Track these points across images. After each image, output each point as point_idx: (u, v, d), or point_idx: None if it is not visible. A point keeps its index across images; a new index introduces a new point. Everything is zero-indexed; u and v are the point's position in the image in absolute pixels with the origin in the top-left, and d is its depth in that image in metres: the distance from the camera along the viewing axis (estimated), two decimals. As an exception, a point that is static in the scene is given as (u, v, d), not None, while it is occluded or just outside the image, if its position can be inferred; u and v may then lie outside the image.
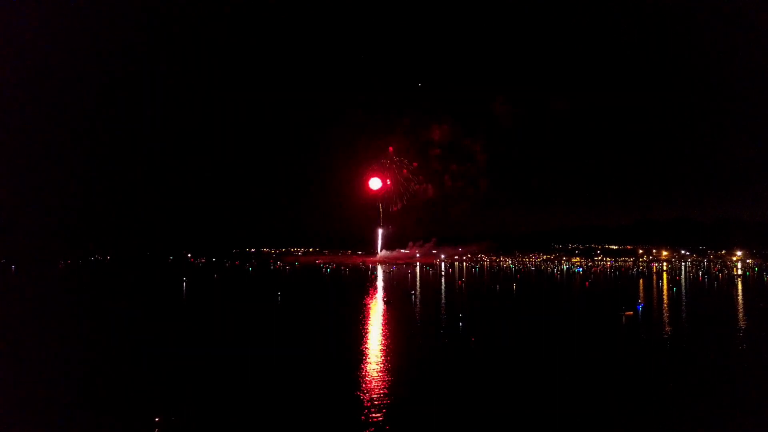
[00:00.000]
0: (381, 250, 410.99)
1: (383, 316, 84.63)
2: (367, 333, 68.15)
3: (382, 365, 49.41)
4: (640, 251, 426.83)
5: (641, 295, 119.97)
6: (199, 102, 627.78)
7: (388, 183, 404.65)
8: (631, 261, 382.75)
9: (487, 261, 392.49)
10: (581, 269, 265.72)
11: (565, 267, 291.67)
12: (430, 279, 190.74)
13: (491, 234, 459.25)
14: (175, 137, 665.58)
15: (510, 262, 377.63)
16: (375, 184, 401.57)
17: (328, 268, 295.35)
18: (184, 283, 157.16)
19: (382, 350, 56.68)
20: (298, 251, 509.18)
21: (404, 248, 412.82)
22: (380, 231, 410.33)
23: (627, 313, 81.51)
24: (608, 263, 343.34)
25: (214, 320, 79.17)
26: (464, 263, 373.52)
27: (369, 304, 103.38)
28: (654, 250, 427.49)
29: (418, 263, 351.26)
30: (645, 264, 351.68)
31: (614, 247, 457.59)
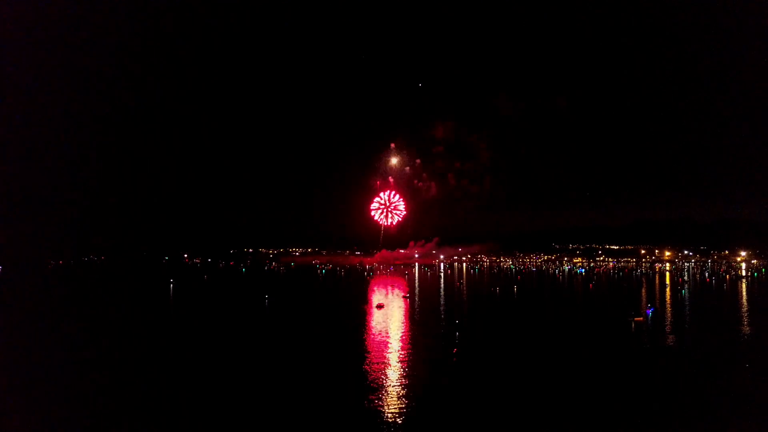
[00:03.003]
0: (380, 250, 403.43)
1: (373, 322, 78.45)
2: (351, 341, 61.99)
3: (353, 382, 43.25)
4: (642, 251, 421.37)
5: (644, 297, 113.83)
6: (198, 101, 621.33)
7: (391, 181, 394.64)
8: (633, 261, 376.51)
9: (487, 262, 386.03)
10: (584, 270, 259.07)
11: (567, 268, 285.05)
12: (428, 280, 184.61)
13: (492, 234, 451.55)
14: (175, 138, 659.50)
15: (510, 262, 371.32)
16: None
17: (323, 268, 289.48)
18: (171, 285, 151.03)
19: (360, 364, 50.40)
20: (296, 251, 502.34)
21: (404, 248, 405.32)
22: (381, 231, 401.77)
23: (636, 318, 75.39)
24: (611, 264, 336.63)
25: (191, 324, 73.29)
26: (464, 264, 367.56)
27: (360, 308, 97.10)
28: (656, 251, 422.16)
29: (417, 264, 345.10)
30: (648, 264, 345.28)
31: (615, 248, 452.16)
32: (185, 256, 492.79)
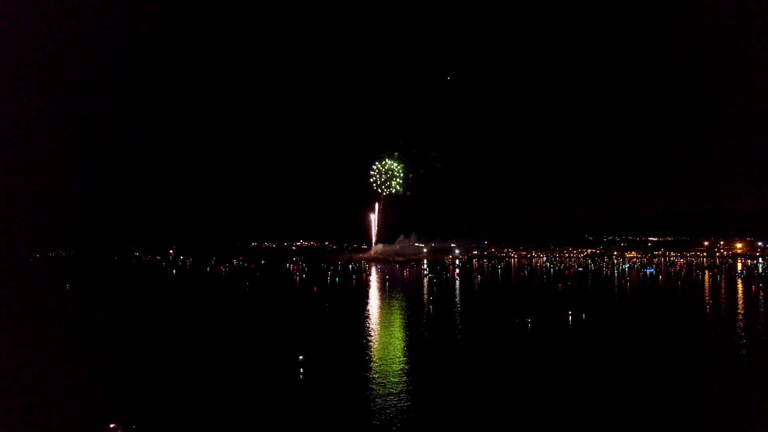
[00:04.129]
0: (376, 245, 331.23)
1: None
2: None
3: None
4: (706, 243, 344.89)
5: None
6: (195, 98, 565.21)
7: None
8: (704, 256, 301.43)
9: (515, 257, 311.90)
10: (652, 270, 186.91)
11: (626, 266, 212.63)
12: (424, 287, 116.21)
13: (512, 226, 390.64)
14: (177, 140, 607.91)
15: (545, 258, 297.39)
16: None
17: (301, 266, 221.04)
18: None
19: None
20: (302, 244, 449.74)
21: (409, 239, 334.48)
22: (374, 223, 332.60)
23: None
24: (681, 261, 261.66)
25: None
26: (483, 260, 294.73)
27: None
28: (722, 242, 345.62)
29: (425, 260, 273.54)
30: (726, 260, 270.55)
31: (653, 239, 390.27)
32: (170, 252, 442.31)
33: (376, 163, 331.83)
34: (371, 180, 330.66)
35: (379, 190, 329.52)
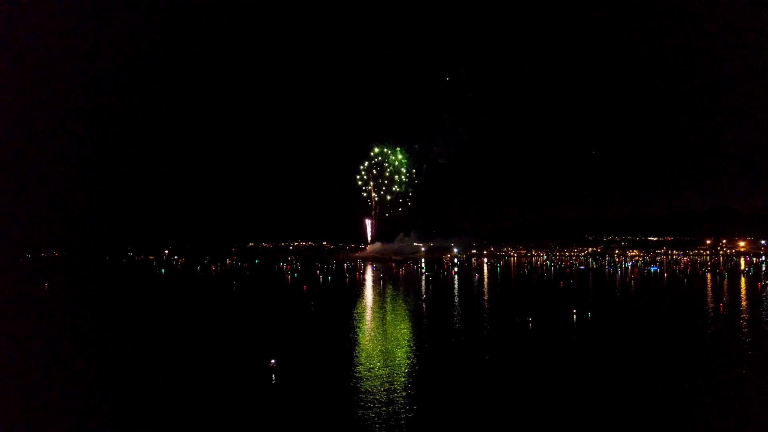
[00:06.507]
0: (372, 243, 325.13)
1: None
2: None
3: None
4: (708, 241, 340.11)
5: None
6: (192, 94, 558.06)
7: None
8: (707, 254, 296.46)
9: (515, 256, 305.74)
10: (656, 268, 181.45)
11: (628, 264, 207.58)
12: (420, 286, 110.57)
13: (512, 225, 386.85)
14: (176, 140, 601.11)
15: (545, 257, 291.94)
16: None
17: (295, 265, 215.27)
18: None
19: None
20: (300, 245, 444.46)
21: (408, 238, 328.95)
22: (369, 221, 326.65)
23: None
24: (685, 259, 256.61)
25: None
26: (483, 259, 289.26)
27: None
28: (724, 241, 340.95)
29: (423, 260, 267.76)
30: (730, 258, 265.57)
31: (653, 239, 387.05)
32: (165, 252, 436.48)
33: (373, 160, 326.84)
34: (366, 178, 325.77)
35: (374, 190, 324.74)
